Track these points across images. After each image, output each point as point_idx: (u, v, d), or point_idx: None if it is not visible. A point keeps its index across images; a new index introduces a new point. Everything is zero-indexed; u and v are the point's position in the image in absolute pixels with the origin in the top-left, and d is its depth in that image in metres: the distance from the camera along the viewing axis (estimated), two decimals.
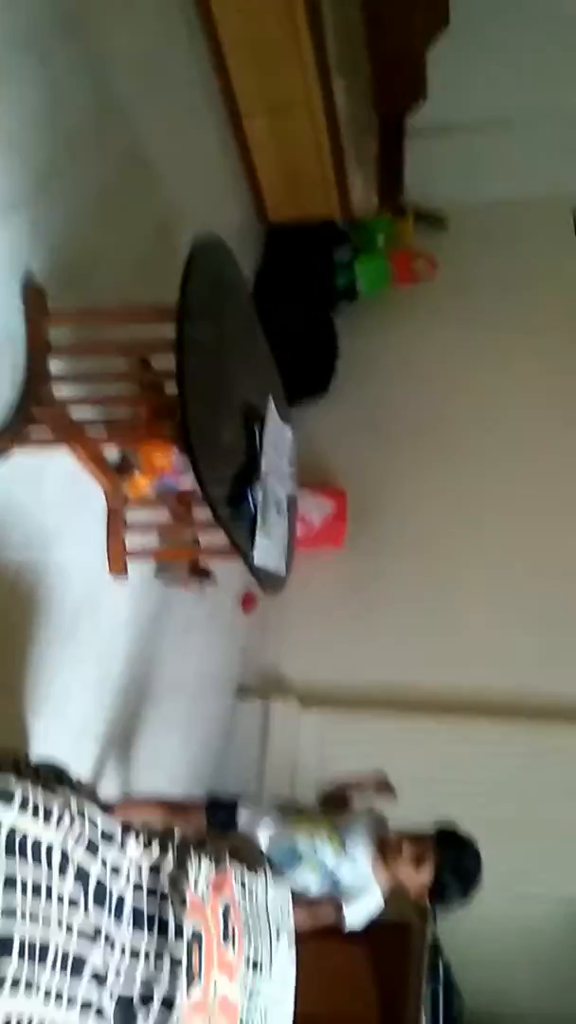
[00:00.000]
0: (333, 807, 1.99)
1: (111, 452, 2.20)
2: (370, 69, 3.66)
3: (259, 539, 1.95)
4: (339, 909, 1.79)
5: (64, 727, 2.11)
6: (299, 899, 1.70)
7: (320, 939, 1.73)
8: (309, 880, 1.80)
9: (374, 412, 3.81)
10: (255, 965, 1.32)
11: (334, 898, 1.80)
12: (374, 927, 1.84)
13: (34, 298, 1.96)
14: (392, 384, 3.89)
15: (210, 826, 1.90)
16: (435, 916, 2.55)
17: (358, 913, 1.80)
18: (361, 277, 3.83)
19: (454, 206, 4.25)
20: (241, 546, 1.90)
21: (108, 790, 2.23)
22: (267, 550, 2.01)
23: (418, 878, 1.75)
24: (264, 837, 1.84)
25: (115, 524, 2.22)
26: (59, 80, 2.16)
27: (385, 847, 1.82)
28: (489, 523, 3.46)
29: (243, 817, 1.90)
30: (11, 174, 1.94)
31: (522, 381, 3.75)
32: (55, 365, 1.95)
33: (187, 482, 2.06)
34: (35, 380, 1.90)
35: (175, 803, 2.09)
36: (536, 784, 2.92)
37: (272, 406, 2.11)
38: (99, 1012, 0.93)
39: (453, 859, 1.74)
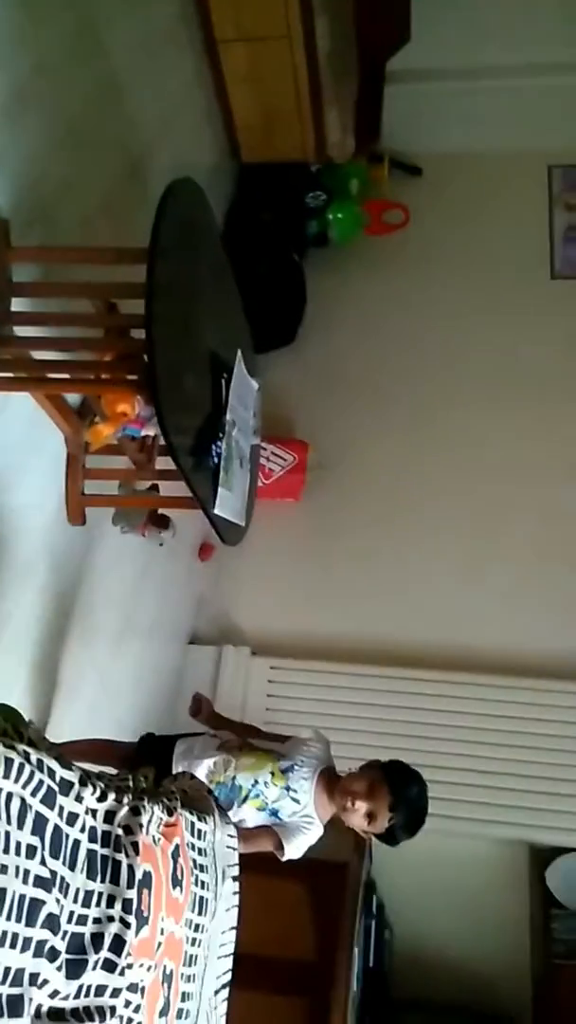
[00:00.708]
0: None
1: (72, 397, 2.16)
2: (354, 6, 3.53)
3: (221, 491, 1.95)
4: (278, 842, 1.82)
5: (16, 669, 2.12)
6: (237, 828, 1.75)
7: (261, 876, 1.79)
8: (249, 816, 1.82)
9: (339, 363, 3.79)
10: (201, 905, 1.38)
11: (273, 831, 1.83)
12: (312, 865, 1.90)
13: None
14: (358, 335, 3.87)
15: (140, 757, 1.87)
16: (371, 855, 2.68)
17: (298, 848, 1.84)
18: (334, 224, 3.77)
19: (429, 155, 4.18)
20: (202, 497, 1.91)
21: (56, 732, 2.26)
22: (228, 502, 2.02)
23: (370, 828, 1.78)
24: (202, 774, 1.82)
25: (74, 470, 2.19)
26: (29, 3, 2.03)
27: (331, 784, 1.84)
28: (449, 483, 3.50)
29: (179, 748, 1.89)
30: None
31: (492, 336, 3.76)
32: (17, 304, 1.89)
33: (150, 430, 2.04)
34: None
35: (112, 744, 2.09)
36: (473, 731, 3.05)
37: (240, 357, 2.09)
38: (52, 952, 0.97)
39: (404, 801, 1.75)
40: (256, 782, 1.82)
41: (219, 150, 3.55)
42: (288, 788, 1.82)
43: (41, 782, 0.98)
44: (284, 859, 1.84)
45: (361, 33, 3.63)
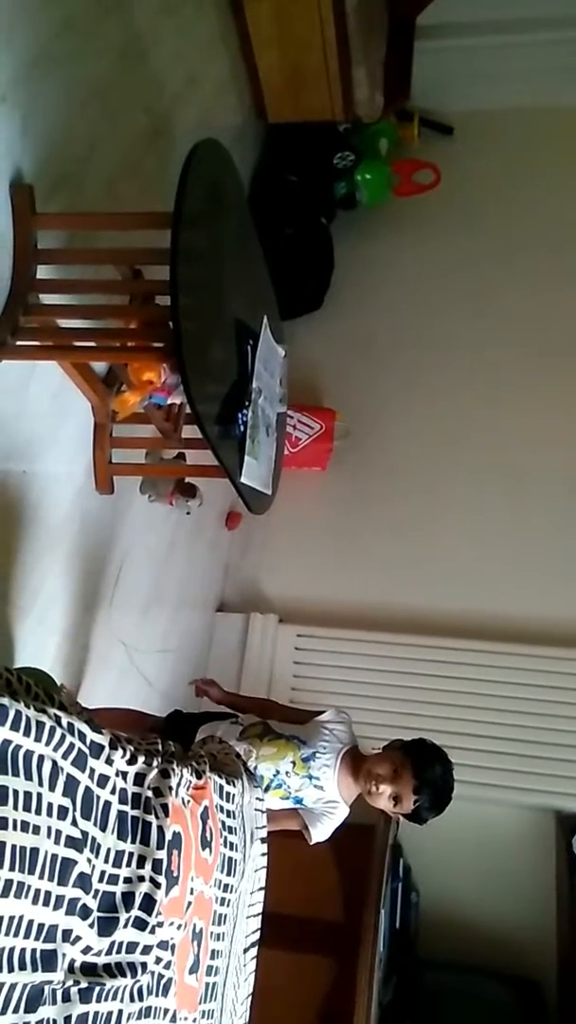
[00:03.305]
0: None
1: (99, 365, 2.16)
2: None
3: (247, 460, 1.94)
4: (304, 823, 1.85)
5: (48, 636, 2.15)
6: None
7: (289, 838, 1.82)
8: (274, 804, 1.83)
9: (367, 329, 3.74)
10: (230, 866, 1.40)
11: (298, 813, 1.86)
12: (340, 828, 1.91)
13: (22, 197, 1.87)
14: (387, 300, 3.80)
15: (167, 734, 1.82)
16: (397, 820, 2.70)
17: (325, 831, 1.86)
18: (362, 186, 3.69)
19: (461, 112, 4.07)
20: (228, 465, 1.90)
21: (88, 699, 2.30)
22: (254, 470, 2.01)
23: (396, 809, 1.79)
24: None
25: (101, 439, 2.20)
26: None
27: (355, 764, 1.84)
28: (477, 452, 3.45)
29: (201, 735, 1.87)
30: (1, 65, 1.82)
31: (527, 302, 3.67)
32: (42, 271, 1.88)
33: (176, 399, 2.03)
34: (21, 286, 1.84)
35: (143, 715, 2.12)
36: (501, 699, 3.04)
37: (266, 323, 2.06)
38: (84, 910, 1.00)
39: (428, 784, 1.75)
40: (278, 772, 1.82)
41: (245, 110, 3.48)
42: (310, 777, 1.82)
43: (72, 745, 1.00)
44: (312, 842, 1.86)
45: None
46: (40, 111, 1.96)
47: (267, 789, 1.81)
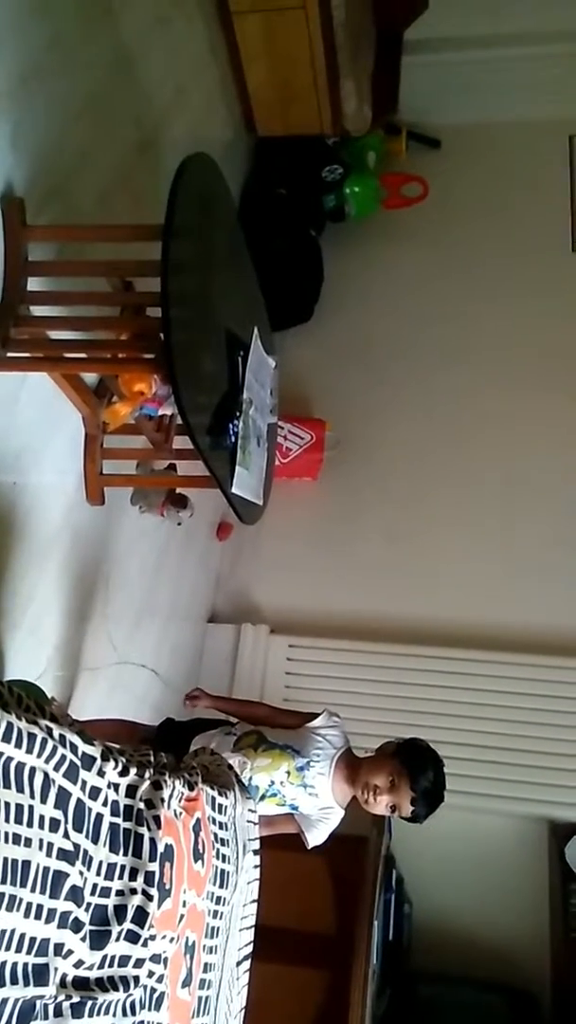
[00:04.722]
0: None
1: (90, 376, 2.16)
2: None
3: (238, 470, 1.95)
4: (300, 831, 1.85)
5: (38, 647, 2.14)
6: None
7: (281, 850, 1.81)
8: (270, 812, 1.83)
9: (357, 340, 3.76)
10: (223, 879, 1.39)
11: (294, 817, 1.86)
12: (332, 839, 1.91)
13: (12, 209, 1.87)
14: (376, 311, 3.83)
15: (159, 743, 1.83)
16: (390, 830, 2.69)
17: (321, 835, 1.86)
18: (351, 198, 3.72)
19: (448, 126, 4.12)
20: (219, 476, 1.91)
21: (78, 710, 2.29)
22: (245, 481, 2.02)
23: (392, 815, 1.80)
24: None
25: (92, 450, 2.20)
26: None
27: (349, 767, 1.84)
28: (466, 461, 3.47)
29: (195, 747, 1.85)
30: None
31: (513, 311, 3.71)
32: (33, 283, 1.88)
33: (167, 410, 2.04)
34: (12, 298, 1.84)
35: (134, 725, 2.11)
36: (493, 708, 3.04)
37: (256, 335, 2.07)
38: (76, 923, 0.99)
39: (425, 792, 1.76)
40: (272, 782, 1.82)
41: (234, 124, 3.51)
42: (305, 786, 1.83)
43: (64, 757, 0.99)
44: (310, 847, 1.87)
45: (378, 2, 3.56)
46: (30, 124, 1.97)
47: (262, 798, 1.82)
